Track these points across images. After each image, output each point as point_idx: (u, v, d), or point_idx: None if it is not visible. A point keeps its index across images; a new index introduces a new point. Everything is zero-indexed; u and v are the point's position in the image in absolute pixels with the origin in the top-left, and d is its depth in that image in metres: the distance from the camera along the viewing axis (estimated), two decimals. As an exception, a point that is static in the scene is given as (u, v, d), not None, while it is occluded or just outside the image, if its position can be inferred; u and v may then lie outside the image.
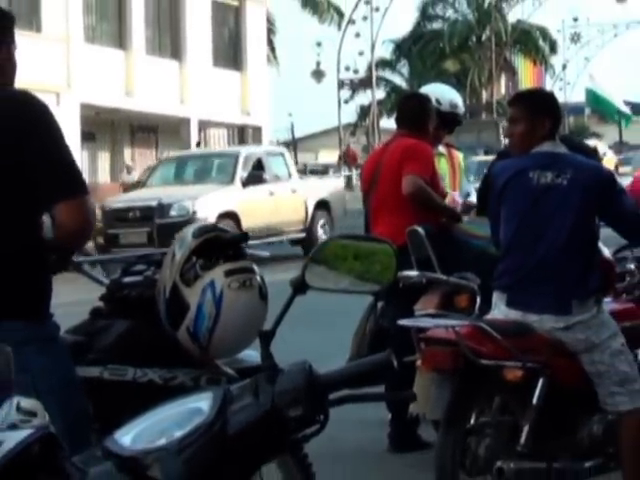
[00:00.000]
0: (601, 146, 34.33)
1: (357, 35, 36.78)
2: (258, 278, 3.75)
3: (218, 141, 35.10)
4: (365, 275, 2.61)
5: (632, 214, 5.01)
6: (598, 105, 43.38)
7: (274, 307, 2.54)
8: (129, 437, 1.99)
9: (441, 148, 7.24)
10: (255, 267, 3.81)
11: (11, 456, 1.77)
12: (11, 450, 1.77)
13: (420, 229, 6.09)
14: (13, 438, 1.81)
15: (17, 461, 1.77)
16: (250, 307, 3.71)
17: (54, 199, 3.21)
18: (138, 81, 31.59)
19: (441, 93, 7.32)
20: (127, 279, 4.20)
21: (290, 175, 21.73)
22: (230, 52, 37.04)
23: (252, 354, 3.81)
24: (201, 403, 2.01)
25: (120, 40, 32.10)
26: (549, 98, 5.52)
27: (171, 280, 3.64)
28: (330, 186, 23.36)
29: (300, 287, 2.47)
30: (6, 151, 3.20)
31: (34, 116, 3.27)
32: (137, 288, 4.12)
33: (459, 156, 7.64)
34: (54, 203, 3.21)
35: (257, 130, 37.26)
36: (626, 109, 45.96)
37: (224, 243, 3.77)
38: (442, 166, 7.05)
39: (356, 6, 35.34)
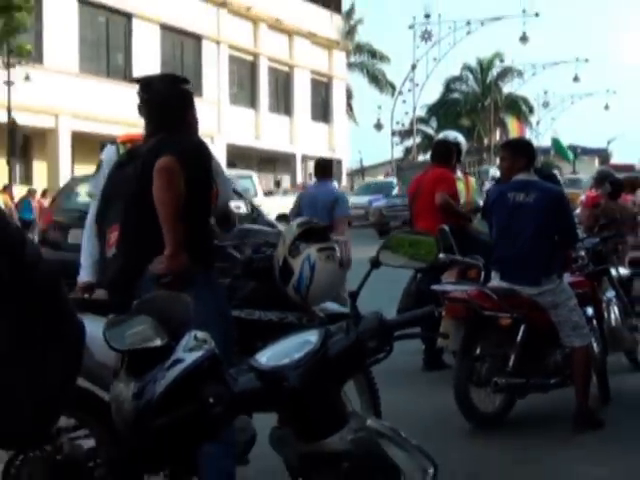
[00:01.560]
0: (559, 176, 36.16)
1: (404, 101, 51.15)
2: (338, 254, 5.10)
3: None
4: (415, 256, 3.45)
5: (571, 227, 6.85)
6: (558, 149, 57.35)
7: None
8: (265, 357, 2.36)
9: (460, 174, 9.71)
10: (336, 246, 5.19)
11: (189, 369, 2.21)
12: (189, 365, 2.21)
13: (446, 227, 8.09)
14: (191, 357, 2.26)
15: (193, 372, 2.24)
16: (332, 272, 5.04)
17: None
18: (263, 129, 41.95)
19: (450, 134, 10.18)
20: (255, 256, 5.38)
21: (256, 193, 24.84)
22: (322, 111, 48.89)
23: (332, 305, 5.28)
24: (311, 337, 2.43)
25: (252, 102, 42.80)
26: (526, 144, 7.48)
27: (282, 255, 4.87)
28: (290, 202, 23.96)
29: (375, 264, 3.12)
30: (200, 182, 4.43)
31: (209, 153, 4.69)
32: (261, 262, 5.22)
33: (472, 180, 10.59)
34: None
35: (339, 162, 45.96)
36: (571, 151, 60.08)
37: (316, 231, 4.81)
38: (460, 187, 9.27)
39: (403, 83, 50.40)
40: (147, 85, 4.78)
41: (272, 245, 5.25)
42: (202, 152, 4.58)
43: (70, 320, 2.32)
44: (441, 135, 10.89)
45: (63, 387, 2.32)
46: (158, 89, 4.75)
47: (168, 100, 4.72)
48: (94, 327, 4.00)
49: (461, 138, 9.89)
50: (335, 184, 10.44)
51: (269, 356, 2.43)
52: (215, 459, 4.00)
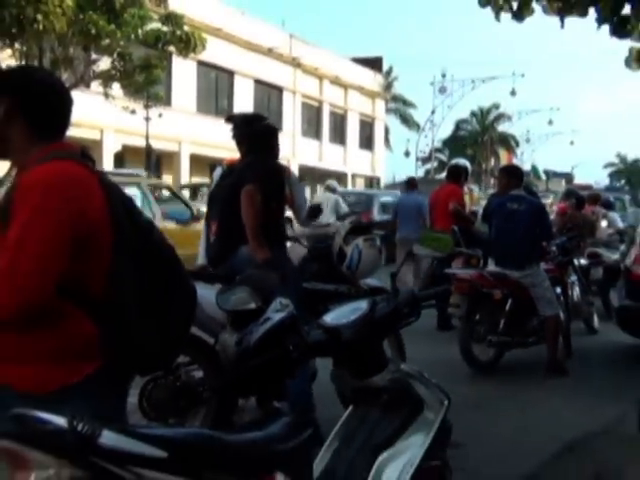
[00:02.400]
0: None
1: (425, 136, 50.90)
2: (378, 242, 5.17)
3: (360, 186, 43.54)
4: (436, 248, 3.43)
5: (549, 229, 6.87)
6: (536, 173, 59.00)
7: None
8: (329, 318, 2.38)
9: (466, 190, 10.80)
10: (377, 237, 5.23)
11: (276, 325, 2.22)
12: (276, 322, 2.22)
13: (456, 228, 8.01)
14: (277, 317, 2.27)
15: (278, 328, 2.26)
16: (374, 256, 5.09)
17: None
18: (324, 154, 41.20)
19: (460, 160, 10.34)
20: (318, 245, 5.43)
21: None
22: (367, 142, 47.57)
23: (373, 280, 5.28)
24: (362, 304, 2.44)
25: (317, 135, 41.78)
26: (517, 169, 7.50)
27: (339, 244, 4.76)
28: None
29: (410, 253, 3.08)
30: (275, 194, 4.57)
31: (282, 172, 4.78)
32: (322, 249, 5.24)
33: (475, 194, 11.80)
34: None
35: (378, 179, 47.43)
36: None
37: (362, 226, 4.82)
38: (466, 199, 9.92)
39: (425, 123, 49.94)
40: (240, 122, 4.88)
41: (330, 237, 5.27)
42: (276, 173, 4.64)
43: (185, 281, 2.31)
44: (454, 161, 10.77)
45: (181, 332, 2.30)
46: (251, 131, 4.86)
47: (254, 132, 4.80)
48: (204, 291, 4.06)
49: (468, 164, 9.91)
50: (419, 195, 10.61)
51: (332, 317, 2.44)
52: (296, 383, 3.97)
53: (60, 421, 1.51)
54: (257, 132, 4.84)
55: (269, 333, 2.26)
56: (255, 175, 4.46)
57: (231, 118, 5.04)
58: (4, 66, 21.19)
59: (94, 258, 2.00)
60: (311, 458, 2.15)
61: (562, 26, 7.22)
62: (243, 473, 1.76)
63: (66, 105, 2.17)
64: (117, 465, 1.52)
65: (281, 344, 2.26)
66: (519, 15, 7.21)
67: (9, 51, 21.62)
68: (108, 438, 1.53)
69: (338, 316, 2.42)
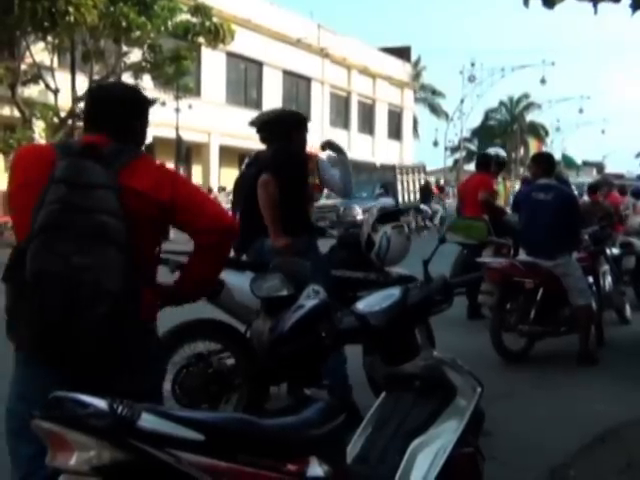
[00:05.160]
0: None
1: (454, 126, 51.22)
2: (406, 230, 5.18)
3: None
4: (469, 235, 3.38)
5: (577, 220, 6.62)
6: (568, 162, 55.33)
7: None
8: (362, 305, 2.40)
9: (500, 179, 9.91)
10: (405, 225, 5.28)
11: (309, 312, 2.25)
12: (309, 309, 2.24)
13: (486, 216, 7.92)
14: (310, 303, 2.29)
15: (311, 314, 2.27)
16: (402, 243, 5.06)
17: None
18: (353, 144, 39.70)
19: (493, 149, 10.28)
20: (346, 233, 5.57)
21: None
22: (395, 132, 47.57)
23: (399, 270, 5.13)
24: (395, 291, 2.45)
25: (345, 125, 42.04)
26: (547, 157, 7.24)
27: (367, 231, 4.75)
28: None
29: (442, 240, 3.06)
30: (295, 182, 4.57)
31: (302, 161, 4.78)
32: (350, 237, 5.27)
33: (508, 184, 10.82)
34: None
35: (425, 169, 47.17)
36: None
37: (390, 213, 4.79)
38: (500, 188, 9.49)
39: (454, 112, 49.33)
40: (261, 124, 4.88)
41: (358, 225, 5.28)
42: (296, 161, 4.65)
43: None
44: (492, 150, 10.51)
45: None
46: (278, 119, 4.92)
47: (275, 122, 4.87)
48: (234, 278, 4.08)
49: (504, 153, 9.82)
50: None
51: (365, 304, 2.45)
52: (332, 366, 3.96)
53: (100, 403, 1.53)
54: (278, 121, 4.87)
55: (302, 320, 2.27)
56: (272, 165, 4.49)
57: (253, 123, 5.05)
58: (37, 59, 21.46)
59: None
60: (345, 443, 2.16)
61: (595, 12, 7.10)
62: (278, 457, 1.78)
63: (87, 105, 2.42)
64: (155, 447, 1.54)
65: (314, 331, 2.27)
66: (549, 2, 7.11)
67: (42, 44, 21.86)
68: (147, 421, 1.55)
69: (371, 303, 2.43)
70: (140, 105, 2.43)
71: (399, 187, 28.69)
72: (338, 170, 5.08)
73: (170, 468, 1.57)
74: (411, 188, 30.66)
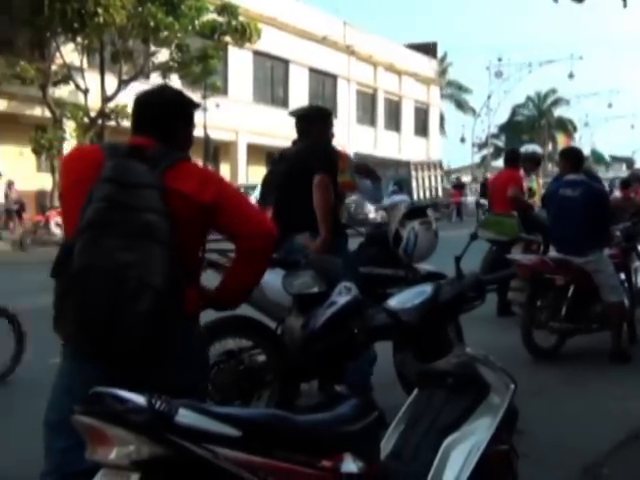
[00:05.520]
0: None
1: (481, 122, 51.07)
2: (434, 226, 5.07)
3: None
4: (500, 232, 3.37)
5: (606, 217, 6.45)
6: (597, 157, 56.36)
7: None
8: (394, 302, 2.40)
9: (534, 176, 10.01)
10: (433, 220, 5.13)
11: (341, 309, 2.27)
12: (341, 306, 2.27)
13: (515, 213, 7.89)
14: (342, 300, 2.31)
15: (343, 311, 2.29)
16: (430, 239, 5.03)
17: None
18: (379, 141, 41.30)
19: (531, 146, 9.75)
20: (374, 230, 5.47)
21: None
22: (422, 129, 47.40)
23: (427, 266, 5.13)
24: (427, 288, 2.45)
25: (372, 122, 42.08)
26: (575, 152, 7.01)
27: (395, 228, 4.69)
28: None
29: (474, 236, 3.03)
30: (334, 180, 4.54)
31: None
32: (379, 234, 5.23)
33: (540, 180, 10.42)
34: None
35: (442, 165, 47.04)
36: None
37: (418, 209, 4.77)
38: (534, 185, 9.62)
39: (481, 108, 49.58)
40: (302, 115, 4.88)
41: (386, 223, 5.25)
42: (331, 158, 4.64)
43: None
44: (527, 147, 10.19)
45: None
46: (302, 115, 4.90)
47: (303, 117, 4.85)
48: (267, 275, 4.09)
49: (540, 150, 9.72)
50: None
51: (397, 301, 2.44)
52: (356, 363, 3.96)
53: (139, 399, 1.55)
54: (304, 116, 4.85)
55: (334, 317, 2.27)
56: (323, 163, 4.46)
57: (293, 113, 5.05)
58: (67, 60, 21.72)
59: None
60: (379, 440, 2.16)
61: (625, 5, 7.03)
62: (312, 453, 1.78)
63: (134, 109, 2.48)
64: (193, 442, 1.56)
65: (346, 328, 2.28)
66: (579, -4, 7.05)
67: (72, 45, 22.11)
68: (184, 416, 1.56)
69: (402, 300, 2.42)
70: (185, 109, 2.48)
71: (414, 184, 28.39)
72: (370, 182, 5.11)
73: (207, 463, 1.58)
74: (426, 185, 30.30)
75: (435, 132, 49.50)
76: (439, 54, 51.48)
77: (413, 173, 28.93)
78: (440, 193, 32.30)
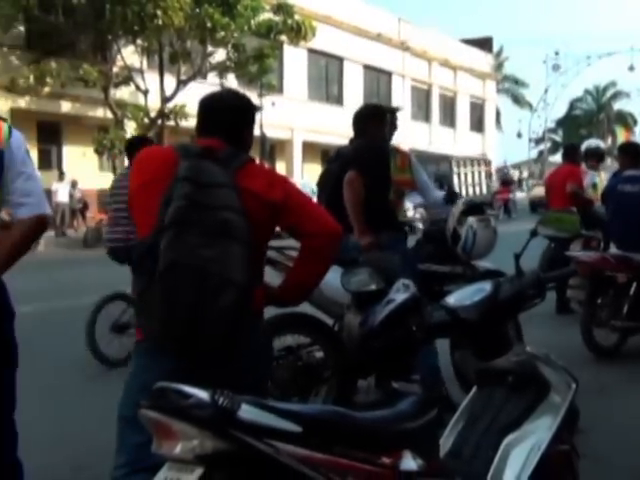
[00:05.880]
0: None
1: (538, 116, 50.50)
2: (493, 222, 4.95)
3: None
4: (560, 229, 3.29)
5: None
6: None
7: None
8: (452, 299, 2.44)
9: (596, 172, 9.31)
10: (492, 217, 5.03)
11: (399, 306, 2.33)
12: (399, 303, 2.32)
13: (574, 209, 7.79)
14: (400, 297, 2.36)
15: (402, 308, 2.33)
16: (488, 236, 4.86)
17: None
18: (434, 137, 40.43)
19: (594, 141, 9.76)
20: (431, 227, 5.34)
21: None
22: (477, 124, 46.62)
23: (486, 263, 4.97)
24: (486, 285, 2.45)
25: (426, 118, 41.40)
26: (635, 147, 6.83)
27: (452, 225, 4.64)
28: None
29: (534, 233, 2.99)
30: (379, 177, 4.52)
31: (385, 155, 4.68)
32: (436, 232, 5.10)
33: (603, 175, 9.81)
34: None
35: (489, 161, 44.42)
36: None
37: (476, 206, 4.68)
38: (596, 180, 8.92)
39: (538, 102, 49.18)
40: (356, 114, 4.88)
41: (444, 220, 5.20)
42: (380, 156, 4.62)
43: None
44: (593, 143, 9.97)
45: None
46: (356, 114, 4.92)
47: (355, 115, 4.88)
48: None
49: (603, 145, 9.56)
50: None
51: (455, 298, 2.44)
52: (425, 359, 3.92)
53: (202, 394, 1.57)
54: (359, 115, 4.86)
55: (392, 314, 2.30)
56: (356, 161, 4.47)
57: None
58: (128, 62, 22.16)
59: None
60: (438, 437, 2.15)
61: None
62: (372, 449, 1.78)
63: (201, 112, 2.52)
64: (255, 438, 1.57)
65: (404, 325, 2.28)
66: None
67: (132, 47, 22.55)
68: (246, 412, 1.58)
69: (461, 297, 2.42)
70: (249, 112, 2.53)
71: (455, 180, 27.71)
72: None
73: (269, 458, 1.60)
74: (469, 181, 29.46)
75: (491, 127, 48.81)
76: (495, 48, 50.77)
77: (455, 169, 28.16)
78: (484, 190, 31.62)
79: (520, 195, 33.67)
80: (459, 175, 28.59)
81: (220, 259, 2.11)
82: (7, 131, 2.42)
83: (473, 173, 30.09)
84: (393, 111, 5.19)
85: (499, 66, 52.54)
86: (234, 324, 2.15)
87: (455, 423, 2.38)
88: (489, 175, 34.29)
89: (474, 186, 28.98)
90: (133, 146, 5.89)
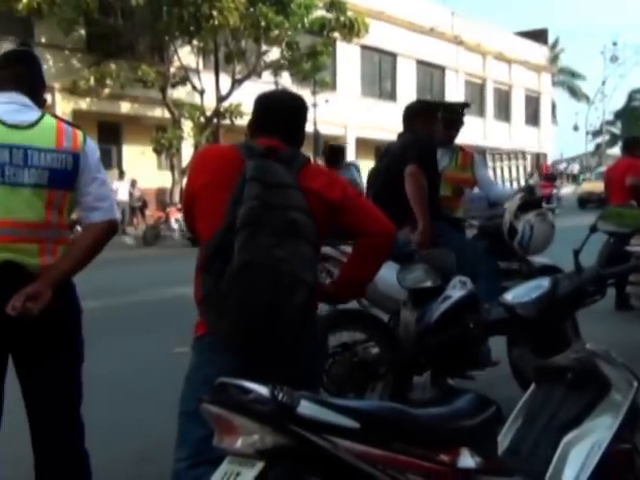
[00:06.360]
0: None
1: (595, 109, 50.45)
2: (550, 217, 4.90)
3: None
4: (621, 224, 3.19)
5: None
6: None
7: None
8: (510, 296, 2.37)
9: None
10: (549, 211, 5.07)
11: (456, 303, 2.31)
12: (456, 300, 2.32)
13: (634, 202, 7.73)
14: (457, 294, 2.34)
15: (458, 305, 2.31)
16: (546, 231, 4.82)
17: None
18: (488, 132, 39.28)
19: None
20: (486, 223, 5.22)
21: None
22: (533, 117, 45.69)
23: (542, 259, 4.95)
24: (544, 282, 2.40)
25: (480, 112, 39.88)
26: None
27: (509, 220, 4.49)
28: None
29: (593, 229, 2.91)
30: (432, 172, 4.49)
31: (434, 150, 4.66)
32: (491, 227, 5.07)
33: None
34: None
35: (545, 155, 45.68)
36: None
37: (533, 201, 4.58)
38: None
39: (595, 95, 48.65)
40: (406, 109, 4.85)
41: (499, 216, 5.13)
42: (430, 149, 4.62)
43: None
44: None
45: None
46: (406, 109, 4.89)
47: (405, 111, 4.85)
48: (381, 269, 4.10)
49: None
50: None
51: (513, 295, 2.39)
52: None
53: (262, 390, 1.59)
54: (408, 111, 4.83)
55: (449, 311, 2.29)
56: (414, 154, 4.43)
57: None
58: (184, 62, 22.47)
59: None
60: (496, 435, 2.13)
61: None
62: (430, 446, 1.78)
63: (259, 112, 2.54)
64: (314, 433, 1.58)
65: (461, 322, 2.26)
66: None
67: (188, 48, 22.86)
68: (306, 407, 1.59)
69: (519, 294, 2.37)
70: (304, 112, 2.57)
71: (491, 174, 27.16)
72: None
73: (327, 454, 1.61)
74: (506, 176, 28.50)
75: (547, 121, 47.84)
76: (550, 40, 49.76)
77: (490, 163, 27.35)
78: (522, 184, 30.86)
79: (567, 190, 32.63)
80: (494, 169, 27.69)
81: (291, 259, 2.14)
82: (82, 137, 2.52)
83: (510, 167, 29.25)
84: (463, 106, 5.17)
85: (555, 58, 51.46)
86: (304, 322, 2.19)
87: (513, 420, 2.35)
88: (533, 170, 33.34)
89: (511, 181, 28.08)
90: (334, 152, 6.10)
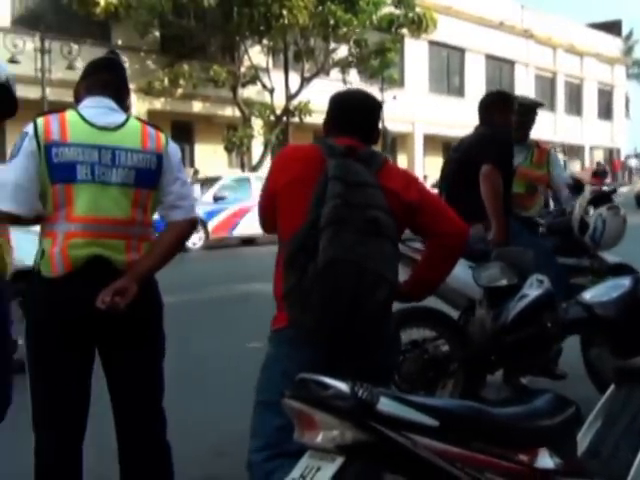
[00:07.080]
0: None
1: None
2: (622, 211, 4.78)
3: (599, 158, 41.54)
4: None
5: None
6: None
7: None
8: (589, 295, 2.35)
9: None
10: (620, 206, 4.83)
11: (533, 301, 2.27)
12: (533, 298, 2.28)
13: None
14: (534, 292, 2.30)
15: (536, 304, 2.27)
16: (618, 225, 4.73)
17: None
18: (559, 127, 37.90)
19: None
20: (554, 220, 5.02)
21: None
22: (605, 111, 44.46)
23: (614, 257, 4.75)
24: (625, 281, 2.34)
25: (551, 107, 37.87)
26: None
27: (579, 215, 4.39)
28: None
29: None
30: (506, 169, 4.37)
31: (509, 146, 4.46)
32: (560, 224, 4.94)
33: None
34: None
35: (618, 150, 44.39)
36: None
37: (603, 195, 4.45)
38: None
39: None
40: (481, 101, 4.75)
41: (568, 212, 5.01)
42: (506, 146, 4.50)
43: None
44: None
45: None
46: (482, 100, 4.77)
47: (480, 103, 4.74)
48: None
49: None
50: None
51: (592, 294, 2.34)
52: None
53: (342, 386, 1.60)
54: (485, 102, 4.71)
55: (526, 310, 2.25)
56: (491, 153, 4.30)
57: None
58: (254, 61, 22.72)
59: None
60: (576, 436, 2.09)
61: None
62: (508, 446, 1.76)
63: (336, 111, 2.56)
64: (394, 430, 1.59)
65: (538, 321, 2.22)
66: None
67: (258, 47, 23.11)
68: (385, 404, 1.60)
69: (598, 293, 2.32)
70: (379, 111, 2.60)
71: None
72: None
73: (406, 451, 1.61)
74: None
75: (620, 114, 46.34)
76: (624, 32, 48.16)
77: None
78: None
79: (624, 189, 31.21)
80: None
81: (374, 256, 2.16)
82: (165, 139, 2.60)
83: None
84: (538, 105, 5.07)
85: (629, 50, 49.75)
86: (385, 319, 2.21)
87: (592, 422, 2.30)
88: (607, 163, 32.29)
89: None
90: None
